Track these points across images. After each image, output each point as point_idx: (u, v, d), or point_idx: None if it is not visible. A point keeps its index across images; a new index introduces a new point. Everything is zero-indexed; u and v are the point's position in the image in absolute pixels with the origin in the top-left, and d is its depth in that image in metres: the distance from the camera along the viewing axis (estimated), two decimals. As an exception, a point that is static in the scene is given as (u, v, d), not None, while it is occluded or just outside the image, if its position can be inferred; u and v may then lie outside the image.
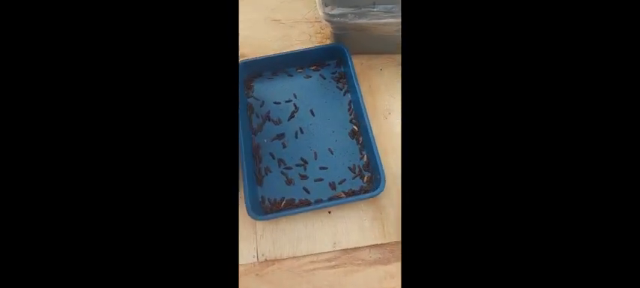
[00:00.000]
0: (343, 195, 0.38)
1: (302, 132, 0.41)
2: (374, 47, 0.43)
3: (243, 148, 0.38)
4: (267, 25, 0.49)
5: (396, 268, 0.36)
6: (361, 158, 0.40)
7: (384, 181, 0.36)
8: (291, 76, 0.44)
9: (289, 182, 0.39)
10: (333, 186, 0.39)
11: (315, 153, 0.40)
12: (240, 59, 0.44)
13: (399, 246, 0.37)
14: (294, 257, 0.37)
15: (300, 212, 0.36)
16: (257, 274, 0.36)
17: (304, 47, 0.44)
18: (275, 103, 0.43)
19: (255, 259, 0.37)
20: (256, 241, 0.38)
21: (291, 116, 0.42)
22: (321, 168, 0.40)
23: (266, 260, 0.37)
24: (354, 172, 0.39)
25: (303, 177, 0.39)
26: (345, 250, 0.37)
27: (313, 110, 0.42)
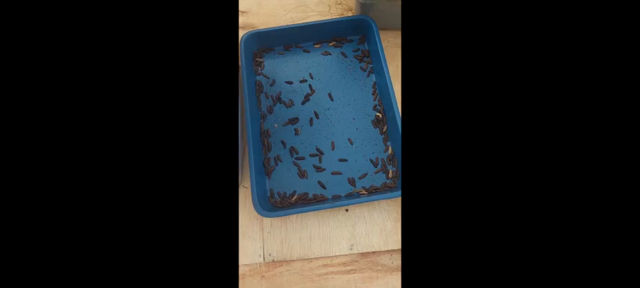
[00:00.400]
0: (364, 192, 0.34)
1: (318, 117, 0.37)
2: (405, 21, 0.38)
3: (250, 133, 0.34)
4: (281, -8, 0.43)
5: (422, 279, 0.32)
6: (385, 150, 0.35)
7: (414, 179, 0.31)
8: (308, 52, 0.39)
9: (302, 175, 0.35)
10: (352, 182, 0.34)
11: (333, 143, 0.36)
12: (249, 30, 0.39)
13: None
14: (306, 259, 0.33)
15: (314, 210, 0.32)
16: (263, 276, 0.33)
17: (323, 19, 0.39)
18: (287, 82, 0.38)
19: (261, 259, 0.33)
20: (263, 238, 0.34)
21: (306, 99, 0.37)
22: (340, 160, 0.35)
23: (273, 261, 0.33)
24: (377, 166, 0.35)
25: (319, 169, 0.35)
26: (364, 254, 0.33)
27: (331, 93, 0.37)
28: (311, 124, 0.36)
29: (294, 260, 0.33)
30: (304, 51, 0.39)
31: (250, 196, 0.32)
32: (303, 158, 0.35)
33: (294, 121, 0.37)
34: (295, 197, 0.34)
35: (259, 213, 0.31)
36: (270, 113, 0.37)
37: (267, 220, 0.34)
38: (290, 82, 0.38)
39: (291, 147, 0.36)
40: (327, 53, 0.39)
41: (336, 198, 0.34)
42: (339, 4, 0.43)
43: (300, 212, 0.32)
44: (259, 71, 0.39)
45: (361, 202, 0.32)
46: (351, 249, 0.33)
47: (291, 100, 0.37)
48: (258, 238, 0.34)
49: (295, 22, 0.39)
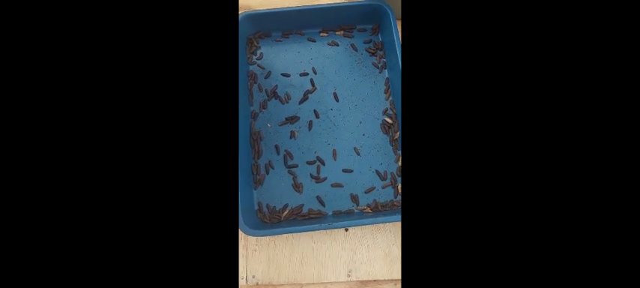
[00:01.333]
0: (369, 210, 0.30)
1: (318, 117, 0.32)
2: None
3: (239, 133, 0.29)
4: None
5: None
6: (396, 161, 0.31)
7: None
8: (313, 41, 0.35)
9: (297, 186, 0.30)
10: (355, 199, 0.30)
11: (335, 150, 0.31)
12: (245, 10, 0.34)
13: None
14: (295, 284, 0.29)
15: (309, 230, 0.28)
16: (245, 301, 0.29)
17: (331, 3, 0.34)
18: (283, 75, 0.34)
19: (244, 281, 0.30)
20: (246, 256, 0.30)
21: (305, 98, 0.33)
22: (344, 170, 0.31)
23: (257, 284, 0.30)
24: (384, 180, 0.31)
25: (317, 180, 0.31)
26: (364, 282, 0.30)
27: (337, 92, 0.33)
28: (310, 128, 0.32)
29: (281, 285, 0.30)
30: (309, 39, 0.35)
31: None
32: (296, 166, 0.31)
33: (291, 120, 0.32)
34: (287, 212, 0.30)
35: (243, 230, 0.27)
36: (264, 109, 0.33)
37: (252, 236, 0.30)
38: (287, 75, 0.34)
39: (286, 152, 0.31)
40: (334, 43, 0.35)
41: (337, 214, 0.29)
42: (351, -14, 0.38)
43: (293, 232, 0.28)
44: (253, 60, 0.34)
45: (365, 225, 0.28)
46: (349, 276, 0.30)
47: (287, 94, 0.33)
48: (241, 255, 0.30)
49: (299, 5, 0.35)
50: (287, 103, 0.33)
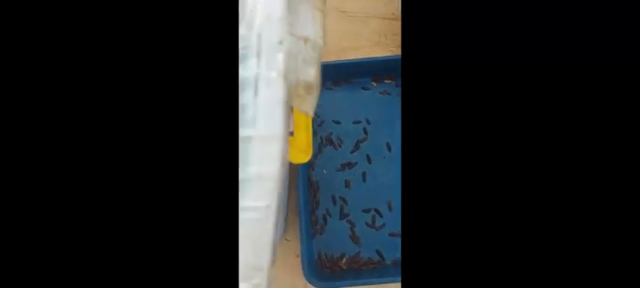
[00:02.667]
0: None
1: (370, 162, 0.34)
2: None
3: (301, 183, 0.31)
4: (334, 15, 0.41)
5: None
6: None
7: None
8: (367, 89, 0.37)
9: (355, 238, 0.32)
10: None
11: (390, 201, 0.33)
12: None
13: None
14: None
15: (372, 283, 0.29)
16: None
17: (386, 55, 0.36)
18: (335, 122, 0.36)
19: (302, 327, 0.31)
20: (305, 304, 0.31)
21: (356, 148, 0.35)
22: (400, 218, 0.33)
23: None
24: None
25: (374, 228, 0.32)
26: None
27: (389, 141, 0.35)
28: (364, 179, 0.34)
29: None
30: (363, 88, 0.37)
31: (293, 251, 0.30)
32: (351, 215, 0.33)
33: (346, 166, 0.34)
34: (345, 260, 0.31)
35: (312, 283, 0.29)
36: (319, 155, 0.34)
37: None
38: (338, 122, 0.36)
39: (342, 202, 0.33)
40: (386, 93, 0.37)
41: (395, 264, 0.31)
42: (395, 34, 0.40)
43: (359, 285, 0.29)
44: (307, 108, 0.36)
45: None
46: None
47: (340, 139, 0.35)
48: (300, 303, 0.31)
49: (348, 53, 0.37)
50: (340, 148, 0.35)
